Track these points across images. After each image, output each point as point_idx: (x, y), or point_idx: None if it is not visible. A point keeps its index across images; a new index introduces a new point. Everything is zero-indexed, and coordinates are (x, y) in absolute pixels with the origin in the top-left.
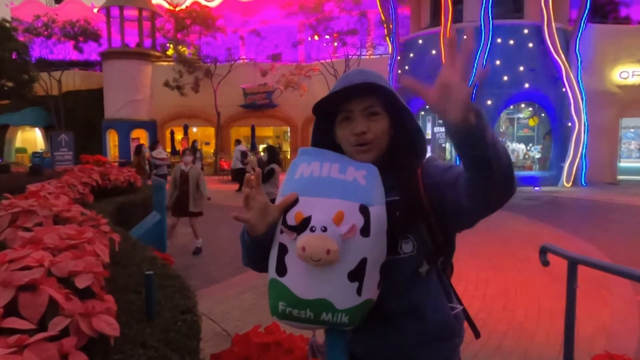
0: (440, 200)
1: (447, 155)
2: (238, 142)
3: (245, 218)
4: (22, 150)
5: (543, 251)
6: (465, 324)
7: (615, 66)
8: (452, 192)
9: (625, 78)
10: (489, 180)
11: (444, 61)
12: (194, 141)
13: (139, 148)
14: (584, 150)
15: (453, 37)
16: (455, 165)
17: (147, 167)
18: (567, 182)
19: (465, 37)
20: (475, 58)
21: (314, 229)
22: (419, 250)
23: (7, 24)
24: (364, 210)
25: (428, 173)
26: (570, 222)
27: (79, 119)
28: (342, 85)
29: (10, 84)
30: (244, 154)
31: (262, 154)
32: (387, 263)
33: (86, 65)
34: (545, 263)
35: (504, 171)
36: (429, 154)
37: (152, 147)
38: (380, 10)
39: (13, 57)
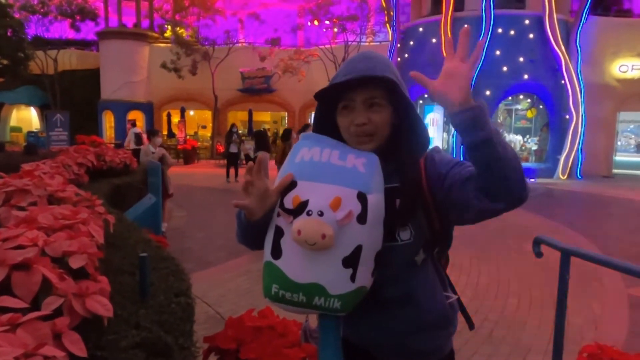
0: (445, 194)
1: (445, 145)
2: (134, 124)
3: (244, 205)
4: (17, 129)
5: (537, 242)
6: (459, 315)
7: (615, 59)
8: (460, 190)
9: (625, 72)
10: (501, 177)
11: (443, 50)
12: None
13: (288, 132)
14: (580, 143)
15: (466, 29)
16: (465, 162)
17: None
18: (563, 174)
19: (466, 26)
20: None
21: (310, 213)
22: (417, 238)
23: (3, 1)
24: (361, 197)
25: (432, 163)
26: (564, 214)
27: (75, 99)
28: (346, 73)
29: (5, 62)
30: (138, 136)
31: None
32: (384, 250)
33: (83, 44)
34: (539, 254)
35: (511, 162)
36: (432, 145)
37: (303, 129)
38: None
39: (8, 34)
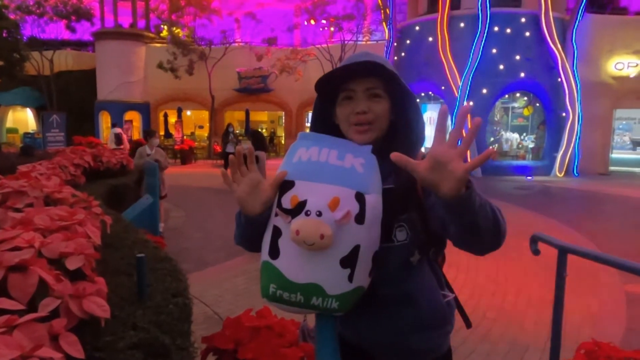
0: (430, 205)
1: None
2: (114, 125)
3: (232, 186)
4: (14, 131)
5: (534, 240)
6: (456, 313)
7: (611, 57)
8: (440, 218)
9: (621, 69)
10: (476, 240)
11: (440, 49)
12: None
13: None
14: (577, 141)
15: (444, 110)
16: None
17: None
18: (560, 172)
19: (462, 110)
20: (472, 46)
21: (308, 213)
22: (412, 239)
23: None
24: (359, 197)
25: None
26: (561, 212)
27: (71, 100)
28: (348, 63)
29: (0, 63)
30: (118, 137)
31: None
32: (380, 251)
33: (79, 45)
34: (536, 252)
35: (490, 230)
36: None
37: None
38: None
39: (4, 35)
